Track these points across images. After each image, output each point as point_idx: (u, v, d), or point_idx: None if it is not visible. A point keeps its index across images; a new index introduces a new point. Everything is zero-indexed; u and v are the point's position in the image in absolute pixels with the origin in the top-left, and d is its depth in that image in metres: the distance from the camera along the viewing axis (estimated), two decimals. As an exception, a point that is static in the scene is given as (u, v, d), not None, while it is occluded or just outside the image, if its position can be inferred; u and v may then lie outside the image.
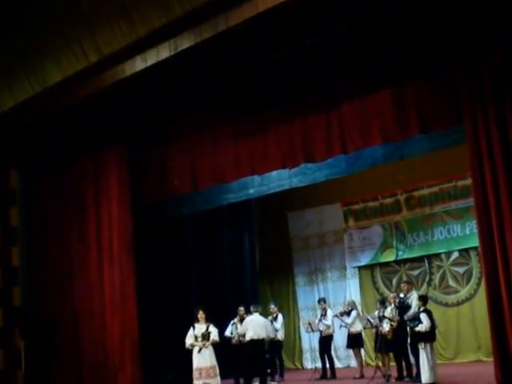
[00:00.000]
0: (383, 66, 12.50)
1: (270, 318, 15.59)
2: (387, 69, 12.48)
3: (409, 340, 12.72)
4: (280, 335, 15.63)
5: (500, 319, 10.68)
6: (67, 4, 13.33)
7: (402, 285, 14.00)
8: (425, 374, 12.25)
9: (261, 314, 14.91)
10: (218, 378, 12.69)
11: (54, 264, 16.94)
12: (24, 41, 14.24)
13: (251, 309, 14.59)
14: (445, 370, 14.73)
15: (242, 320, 15.30)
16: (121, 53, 13.39)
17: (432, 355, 12.35)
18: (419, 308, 12.57)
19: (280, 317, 15.68)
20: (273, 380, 15.30)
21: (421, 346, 12.26)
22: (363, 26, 11.88)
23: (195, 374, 12.53)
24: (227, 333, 15.49)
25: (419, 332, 12.26)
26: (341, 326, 15.71)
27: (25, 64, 14.58)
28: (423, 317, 12.29)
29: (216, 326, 13.32)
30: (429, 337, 12.34)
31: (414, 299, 13.09)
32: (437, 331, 16.50)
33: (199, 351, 12.54)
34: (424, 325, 12.20)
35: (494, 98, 10.92)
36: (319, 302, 16.27)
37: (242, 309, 15.58)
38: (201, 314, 12.81)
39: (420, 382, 12.34)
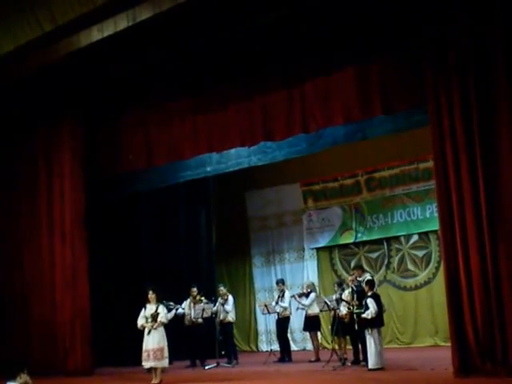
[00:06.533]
0: (347, 45, 12.34)
1: (220, 300, 15.33)
2: (351, 47, 12.33)
3: (356, 326, 12.58)
4: (231, 317, 15.37)
5: (458, 304, 10.69)
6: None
7: (353, 272, 13.78)
8: (371, 360, 12.15)
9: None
10: (167, 360, 12.45)
11: (3, 238, 16.54)
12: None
13: None
14: (402, 355, 14.75)
15: (194, 301, 15.20)
16: (76, 22, 12.99)
17: (379, 340, 12.22)
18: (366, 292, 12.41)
19: (230, 298, 15.41)
20: (229, 363, 15.08)
21: (367, 332, 12.12)
22: (327, 2, 11.65)
23: (144, 355, 12.31)
24: (180, 311, 15.35)
25: (366, 318, 12.11)
26: (297, 308, 15.49)
27: (-25, 32, 14.10)
28: (370, 302, 12.14)
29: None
30: (376, 322, 12.19)
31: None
32: (394, 315, 16.62)
33: (148, 333, 12.30)
34: (370, 311, 12.05)
35: (458, 80, 10.85)
36: (277, 283, 16.05)
37: (194, 289, 15.45)
38: (151, 295, 12.54)
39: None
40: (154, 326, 12.32)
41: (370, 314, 12.05)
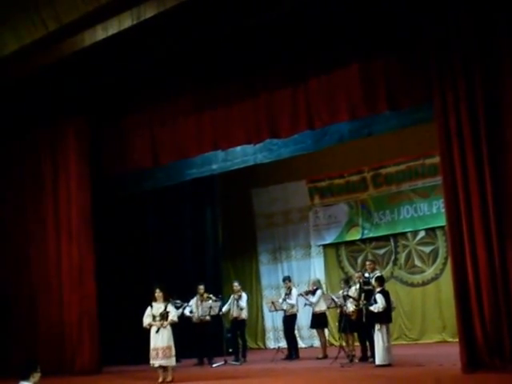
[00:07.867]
0: (352, 41, 12.31)
1: (233, 296, 15.30)
2: (356, 44, 12.29)
3: (364, 319, 12.56)
4: (244, 314, 15.35)
5: (465, 300, 10.63)
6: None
7: (368, 263, 13.88)
8: (379, 356, 12.11)
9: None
10: (174, 358, 12.42)
11: (9, 238, 16.50)
12: (-21, 8, 13.74)
13: None
14: (409, 351, 14.69)
15: (202, 299, 15.17)
16: (81, 21, 12.98)
17: (387, 337, 12.17)
18: (375, 289, 12.39)
19: (244, 295, 15.38)
20: (236, 360, 15.06)
21: (376, 327, 12.10)
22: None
23: (152, 354, 12.26)
24: (187, 311, 15.32)
25: (373, 312, 12.09)
26: (305, 304, 15.44)
27: (-20, 32, 14.10)
28: (378, 297, 12.12)
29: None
30: (384, 318, 12.17)
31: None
32: (401, 311, 16.58)
33: (157, 331, 12.24)
34: (378, 305, 12.03)
35: (463, 75, 10.79)
36: (284, 280, 16.02)
37: (201, 287, 15.41)
38: (158, 293, 12.47)
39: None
40: (163, 324, 12.28)
41: (377, 307, 12.03)
